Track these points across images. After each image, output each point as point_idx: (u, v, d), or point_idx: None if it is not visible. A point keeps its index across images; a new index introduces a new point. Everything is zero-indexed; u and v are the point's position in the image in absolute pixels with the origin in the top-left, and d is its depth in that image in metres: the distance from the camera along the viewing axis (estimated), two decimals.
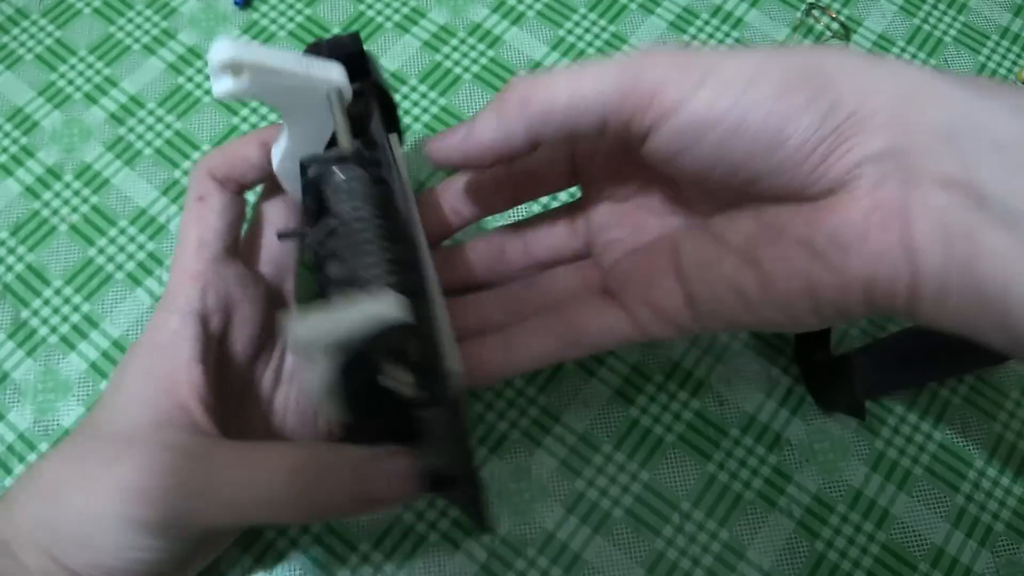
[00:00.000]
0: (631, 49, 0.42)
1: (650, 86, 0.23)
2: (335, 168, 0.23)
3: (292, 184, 0.27)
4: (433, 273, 0.27)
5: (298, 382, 0.30)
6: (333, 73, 0.24)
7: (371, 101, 0.27)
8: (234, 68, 0.22)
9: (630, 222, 0.29)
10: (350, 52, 0.25)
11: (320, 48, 0.25)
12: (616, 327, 0.28)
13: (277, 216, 0.30)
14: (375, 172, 0.23)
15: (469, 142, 0.25)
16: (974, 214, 0.20)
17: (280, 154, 0.26)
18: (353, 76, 0.25)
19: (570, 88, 0.24)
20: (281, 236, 0.28)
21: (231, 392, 0.27)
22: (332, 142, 0.26)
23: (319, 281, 0.24)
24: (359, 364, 0.21)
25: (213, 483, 0.23)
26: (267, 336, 0.29)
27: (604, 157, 0.29)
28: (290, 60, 0.23)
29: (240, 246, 0.29)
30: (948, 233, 0.20)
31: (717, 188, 0.25)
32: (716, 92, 0.23)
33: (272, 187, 0.30)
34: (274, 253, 0.30)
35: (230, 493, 0.23)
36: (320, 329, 0.20)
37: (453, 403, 0.21)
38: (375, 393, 0.21)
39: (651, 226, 0.29)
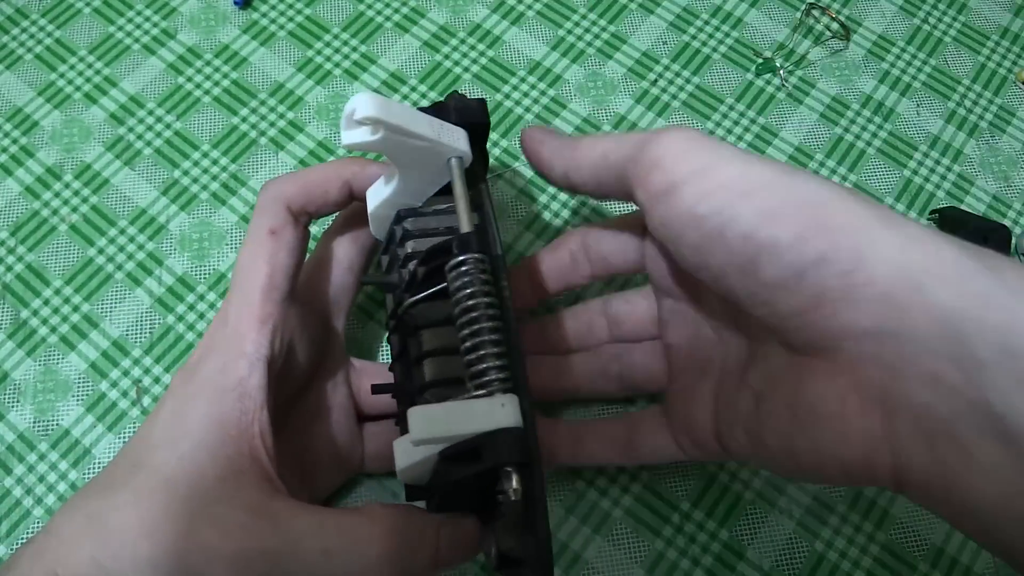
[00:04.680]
0: (630, 50, 0.42)
1: (648, 163, 0.22)
2: (453, 246, 0.23)
3: (382, 228, 0.28)
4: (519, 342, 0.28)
5: (371, 441, 0.30)
6: (459, 141, 0.24)
7: (480, 166, 0.27)
8: (373, 125, 0.22)
9: (688, 328, 0.28)
10: (476, 122, 0.25)
11: (446, 108, 0.25)
12: (666, 450, 0.29)
13: (344, 254, 0.30)
14: (487, 249, 0.23)
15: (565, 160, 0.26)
16: (966, 421, 0.18)
17: (379, 200, 0.26)
18: (472, 142, 0.25)
19: (604, 145, 0.25)
20: (366, 283, 0.27)
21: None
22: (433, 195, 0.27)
23: (406, 342, 0.25)
24: (467, 460, 0.21)
25: (296, 551, 0.22)
26: (310, 376, 0.29)
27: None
28: (423, 124, 0.23)
29: (301, 281, 0.28)
30: (932, 435, 0.18)
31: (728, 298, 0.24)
32: (702, 194, 0.21)
33: (342, 223, 0.30)
34: (332, 290, 0.30)
35: (315, 561, 0.22)
36: (441, 426, 0.21)
37: (541, 499, 0.21)
38: (467, 481, 0.22)
39: (705, 338, 0.28)
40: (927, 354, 0.18)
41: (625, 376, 0.31)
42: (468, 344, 0.22)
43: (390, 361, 0.29)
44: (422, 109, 0.26)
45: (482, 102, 0.26)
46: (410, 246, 0.26)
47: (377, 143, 0.22)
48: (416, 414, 0.21)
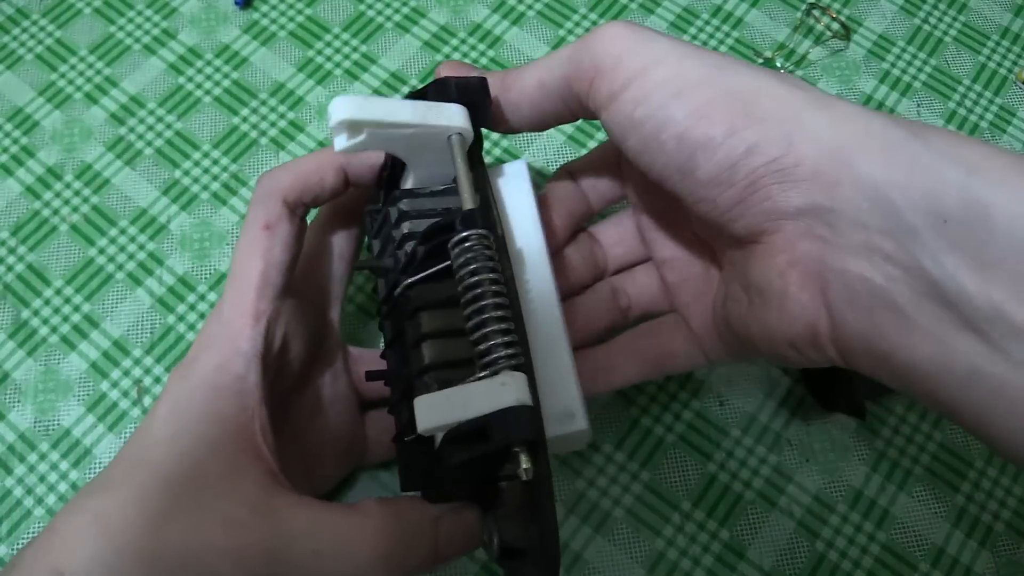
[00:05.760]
0: None
1: (588, 72, 0.23)
2: (456, 222, 0.22)
3: None
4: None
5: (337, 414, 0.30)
6: (455, 118, 0.24)
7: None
8: (352, 127, 0.22)
9: (674, 240, 0.29)
10: (477, 99, 0.25)
11: (447, 88, 0.25)
12: (694, 358, 0.28)
13: (335, 243, 0.29)
14: (490, 226, 0.23)
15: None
16: (902, 287, 0.18)
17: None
18: (475, 121, 0.25)
19: (536, 74, 0.25)
20: (359, 268, 0.27)
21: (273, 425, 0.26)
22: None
23: (401, 326, 0.25)
24: (474, 440, 0.21)
25: (290, 549, 0.22)
26: (309, 368, 0.29)
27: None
28: (405, 111, 0.23)
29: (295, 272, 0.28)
30: (868, 303, 0.19)
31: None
32: (639, 99, 0.22)
33: (331, 211, 0.30)
34: (325, 280, 0.29)
35: (307, 562, 0.22)
36: (444, 413, 0.21)
37: (548, 482, 0.21)
38: (472, 465, 0.21)
39: (693, 246, 0.29)
40: (859, 226, 0.19)
41: (633, 305, 0.30)
42: (473, 322, 0.22)
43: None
44: (420, 90, 0.25)
45: (483, 80, 0.25)
46: (406, 227, 0.25)
47: (365, 143, 0.22)
48: (420, 404, 0.21)
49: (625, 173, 0.30)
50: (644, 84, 0.22)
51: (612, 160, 0.30)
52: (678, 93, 0.21)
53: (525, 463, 0.20)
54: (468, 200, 0.23)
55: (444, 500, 0.25)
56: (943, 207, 0.18)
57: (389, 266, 0.26)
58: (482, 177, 0.26)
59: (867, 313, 0.19)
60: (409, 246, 0.25)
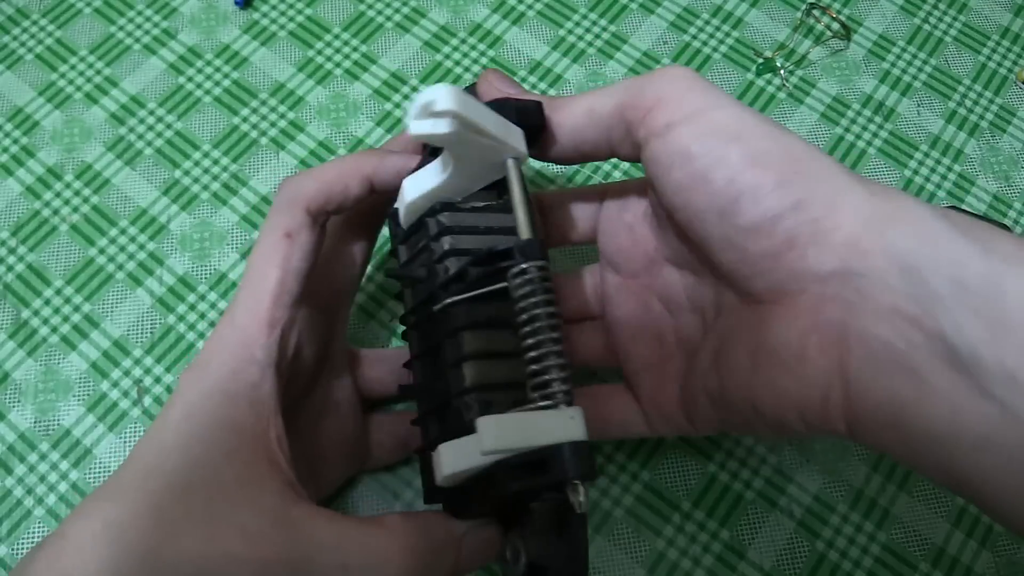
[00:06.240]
0: (631, 50, 0.42)
1: (649, 102, 0.23)
2: (515, 252, 0.23)
3: (413, 218, 0.27)
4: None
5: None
6: (518, 141, 0.24)
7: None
8: (439, 116, 0.22)
9: (636, 303, 0.29)
10: (534, 124, 0.25)
11: (507, 108, 0.25)
12: (635, 427, 0.29)
13: (350, 249, 0.29)
14: (547, 256, 0.23)
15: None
16: (922, 352, 0.19)
17: (421, 191, 0.25)
18: (528, 142, 0.25)
19: (587, 101, 0.25)
20: (391, 275, 0.27)
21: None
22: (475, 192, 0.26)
23: (437, 341, 0.25)
24: (530, 471, 0.21)
25: (315, 563, 0.22)
26: (317, 372, 0.29)
27: (624, 226, 0.29)
28: (492, 122, 0.23)
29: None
30: (888, 368, 0.19)
31: (694, 250, 0.25)
32: (698, 134, 0.22)
33: (350, 217, 0.29)
34: (338, 285, 0.29)
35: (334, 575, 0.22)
36: (514, 437, 0.21)
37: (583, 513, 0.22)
38: (524, 491, 0.22)
39: (655, 312, 0.28)
40: (886, 291, 0.20)
41: (573, 352, 0.30)
42: (533, 354, 0.22)
43: (389, 348, 0.28)
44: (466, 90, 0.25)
45: (539, 105, 0.25)
46: (447, 242, 0.25)
47: (448, 136, 0.22)
48: (488, 424, 0.21)
49: (603, 225, 0.29)
50: (707, 121, 0.22)
51: (589, 204, 0.30)
52: (737, 137, 0.22)
53: (583, 497, 0.21)
54: (525, 229, 0.23)
55: (468, 516, 0.25)
56: (965, 276, 0.19)
57: (421, 276, 0.26)
58: (529, 199, 0.26)
59: (886, 378, 0.19)
60: (450, 262, 0.25)
